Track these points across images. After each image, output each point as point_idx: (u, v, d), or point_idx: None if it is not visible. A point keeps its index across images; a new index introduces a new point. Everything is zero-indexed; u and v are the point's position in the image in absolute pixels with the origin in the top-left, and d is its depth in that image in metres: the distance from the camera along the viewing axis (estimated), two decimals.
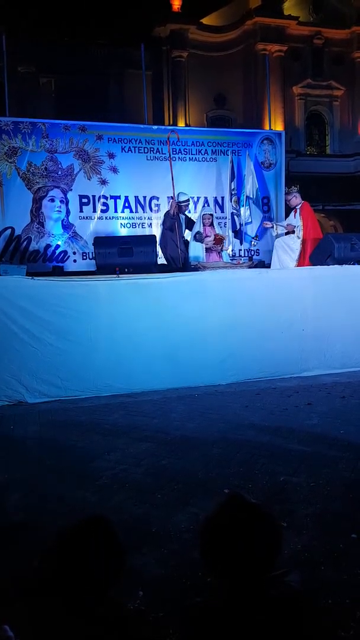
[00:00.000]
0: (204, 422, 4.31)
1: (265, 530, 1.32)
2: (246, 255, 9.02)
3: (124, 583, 2.10)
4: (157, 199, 8.77)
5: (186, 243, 7.71)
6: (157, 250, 7.02)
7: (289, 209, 8.27)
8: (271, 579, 1.31)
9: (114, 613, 1.36)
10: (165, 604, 2.03)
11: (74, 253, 8.42)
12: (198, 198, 8.95)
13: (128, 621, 1.41)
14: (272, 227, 8.13)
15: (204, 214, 7.80)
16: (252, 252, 9.18)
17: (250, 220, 8.94)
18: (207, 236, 7.60)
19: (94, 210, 8.53)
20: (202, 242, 7.56)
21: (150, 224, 8.78)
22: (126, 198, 8.66)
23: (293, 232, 7.62)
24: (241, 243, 8.90)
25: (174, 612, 1.95)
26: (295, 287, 5.86)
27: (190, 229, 7.81)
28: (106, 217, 8.60)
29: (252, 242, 8.67)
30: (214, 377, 5.44)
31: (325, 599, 2.09)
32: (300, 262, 7.42)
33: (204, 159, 9.02)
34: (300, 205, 7.69)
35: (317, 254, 6.78)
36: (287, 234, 7.76)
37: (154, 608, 2.01)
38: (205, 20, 21.22)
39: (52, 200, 8.27)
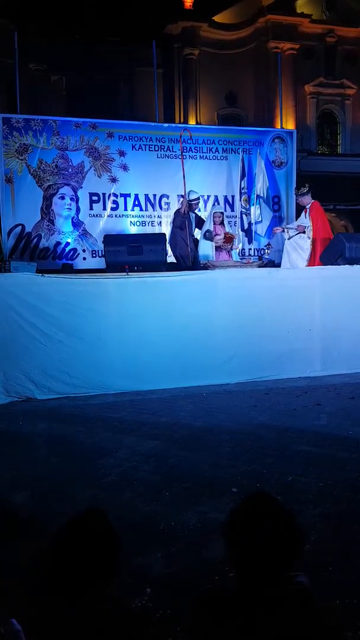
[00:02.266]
0: (212, 420, 4.31)
1: (290, 531, 1.33)
2: (255, 254, 8.99)
3: (131, 580, 2.11)
4: (167, 197, 8.77)
5: (196, 242, 7.69)
6: (167, 248, 7.01)
7: (299, 208, 8.23)
8: (284, 578, 1.32)
9: (120, 610, 1.37)
10: (172, 601, 2.04)
11: (84, 251, 8.45)
12: (208, 196, 8.94)
13: (135, 618, 1.41)
14: (283, 231, 8.00)
15: (214, 212, 7.78)
16: (262, 252, 9.15)
17: (260, 219, 8.91)
18: (217, 235, 7.58)
19: (104, 208, 8.54)
20: (212, 241, 7.54)
21: (160, 222, 8.78)
22: (136, 196, 8.67)
23: (304, 232, 7.58)
24: (250, 242, 8.87)
25: (181, 610, 1.95)
26: (305, 287, 5.83)
27: (200, 228, 7.80)
28: (116, 215, 8.62)
29: (267, 251, 8.49)
30: (222, 376, 5.43)
31: (333, 599, 2.08)
32: (310, 262, 7.38)
33: (214, 157, 9.00)
34: (310, 205, 7.65)
35: (327, 253, 6.74)
36: (297, 233, 7.72)
37: (161, 605, 2.01)
38: (217, 18, 21.13)
39: (63, 197, 8.30)
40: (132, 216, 8.69)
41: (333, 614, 2.00)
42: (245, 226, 8.76)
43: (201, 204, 8.37)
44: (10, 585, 2.08)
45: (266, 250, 8.40)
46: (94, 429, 4.16)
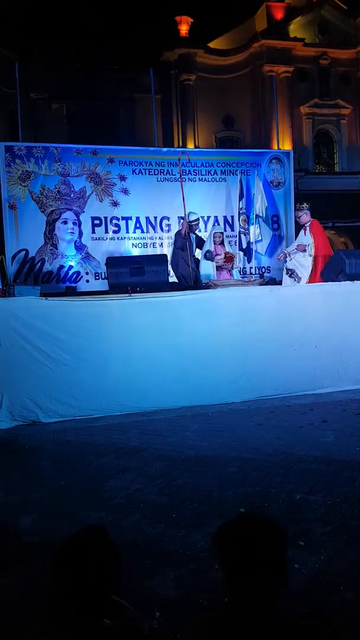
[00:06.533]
0: (218, 440, 4.29)
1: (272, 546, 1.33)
2: (256, 273, 9.05)
3: (140, 603, 2.09)
4: (168, 219, 8.89)
5: (197, 262, 7.77)
6: (169, 269, 7.08)
7: (298, 227, 8.31)
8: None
9: (130, 632, 1.36)
10: (181, 624, 2.01)
11: (87, 273, 8.53)
12: (208, 217, 9.05)
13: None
14: (286, 256, 7.90)
15: (214, 233, 7.87)
16: (263, 270, 9.20)
17: (260, 238, 9.00)
18: (217, 254, 7.66)
19: (106, 231, 8.66)
20: (212, 261, 7.61)
21: (162, 243, 8.89)
22: (137, 219, 8.79)
23: (304, 250, 7.64)
24: (249, 261, 8.95)
25: (190, 632, 1.93)
26: (307, 304, 5.85)
27: (201, 248, 7.88)
28: (118, 238, 8.72)
29: (288, 258, 8.07)
30: (228, 395, 5.42)
31: (345, 620, 2.05)
32: (311, 279, 7.42)
33: (213, 179, 9.14)
34: (309, 223, 7.73)
35: (328, 270, 6.78)
36: (298, 253, 7.77)
37: (171, 628, 1.99)
38: (212, 44, 21.70)
39: (65, 222, 8.42)
40: (134, 238, 8.79)
41: (344, 635, 1.96)
42: (244, 245, 8.84)
43: (201, 225, 8.47)
44: (20, 612, 2.06)
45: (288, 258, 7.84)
46: (100, 452, 4.14)
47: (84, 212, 8.52)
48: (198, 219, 7.97)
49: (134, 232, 8.79)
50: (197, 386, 5.37)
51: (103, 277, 8.16)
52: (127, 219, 8.74)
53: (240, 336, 5.53)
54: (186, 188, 8.22)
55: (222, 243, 7.80)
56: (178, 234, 7.85)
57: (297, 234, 8.42)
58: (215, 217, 9.13)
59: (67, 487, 3.47)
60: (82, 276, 8.50)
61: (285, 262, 7.85)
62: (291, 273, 7.75)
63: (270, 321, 5.64)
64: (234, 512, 2.97)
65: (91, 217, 8.57)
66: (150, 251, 8.71)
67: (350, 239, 19.99)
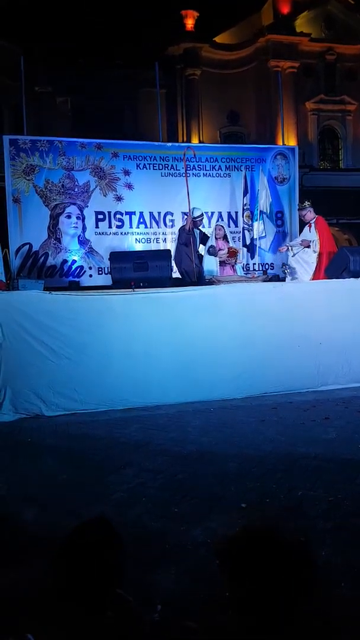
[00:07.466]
0: (219, 436, 4.30)
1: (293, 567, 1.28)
2: (260, 269, 9.04)
3: (141, 597, 2.10)
4: (172, 214, 8.88)
5: (200, 257, 7.76)
6: (172, 264, 7.08)
7: (303, 223, 8.29)
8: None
9: (131, 626, 1.37)
10: (182, 617, 2.02)
11: (90, 268, 8.54)
12: (212, 213, 9.03)
13: (145, 634, 1.41)
14: (288, 249, 7.97)
15: (215, 226, 7.89)
16: (267, 266, 9.19)
17: (264, 234, 8.99)
18: (220, 249, 7.65)
19: (110, 226, 8.65)
20: (215, 256, 7.60)
21: (165, 239, 8.88)
22: (141, 214, 8.78)
23: (309, 246, 7.62)
24: (252, 257, 8.94)
25: (192, 628, 1.94)
26: (311, 301, 5.84)
27: (205, 244, 7.87)
28: (121, 233, 8.72)
29: (284, 270, 8.19)
30: (230, 391, 5.42)
31: (345, 618, 2.05)
32: (315, 276, 7.41)
33: (217, 175, 9.11)
34: (314, 220, 7.71)
35: (332, 267, 6.77)
36: (302, 249, 7.75)
37: (172, 622, 1.99)
38: (218, 39, 21.54)
39: (69, 216, 8.42)
40: (138, 233, 8.79)
41: (345, 634, 1.97)
42: (248, 242, 8.82)
43: (205, 221, 8.46)
44: (20, 605, 2.07)
45: (286, 271, 8.04)
46: (102, 446, 4.16)
47: (87, 206, 8.52)
48: (202, 215, 7.96)
49: (138, 227, 8.78)
50: (199, 382, 5.38)
51: (106, 272, 8.16)
52: (130, 213, 8.73)
53: (243, 332, 5.52)
54: (190, 183, 8.20)
55: (224, 238, 7.79)
56: (182, 229, 7.84)
57: (301, 231, 8.41)
58: (219, 212, 9.11)
59: (69, 481, 3.49)
60: (85, 271, 8.51)
61: (288, 256, 7.86)
62: (291, 271, 7.73)
63: (273, 318, 5.63)
64: (235, 508, 2.99)
65: (95, 211, 8.57)
66: (153, 246, 8.70)
67: (354, 235, 19.91)
